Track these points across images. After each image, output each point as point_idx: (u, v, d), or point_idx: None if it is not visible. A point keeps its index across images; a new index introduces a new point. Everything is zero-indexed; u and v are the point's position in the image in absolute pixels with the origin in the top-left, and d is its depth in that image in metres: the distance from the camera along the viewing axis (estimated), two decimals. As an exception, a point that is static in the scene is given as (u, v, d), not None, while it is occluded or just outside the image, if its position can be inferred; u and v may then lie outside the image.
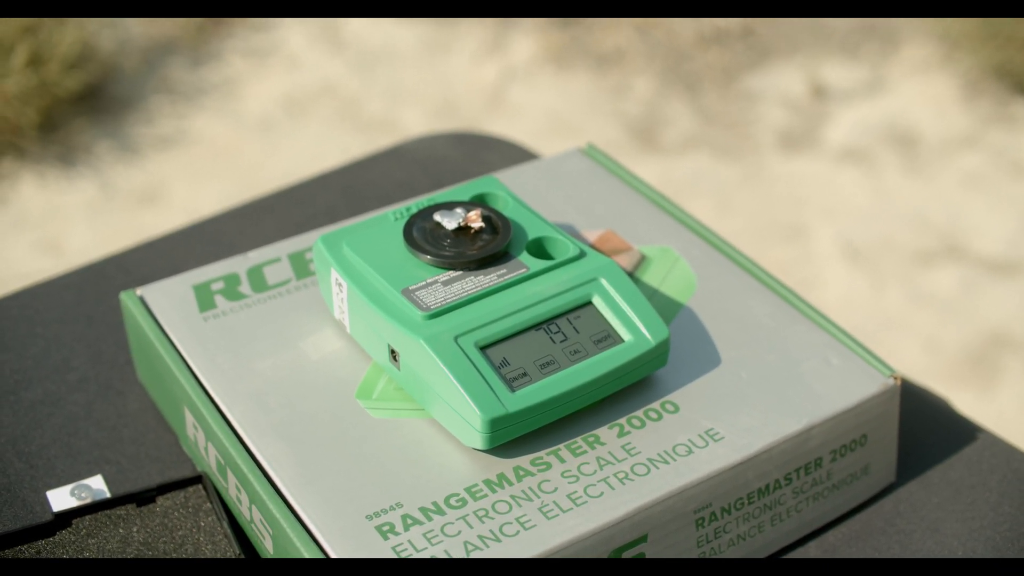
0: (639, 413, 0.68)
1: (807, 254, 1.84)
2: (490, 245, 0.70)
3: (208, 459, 0.70)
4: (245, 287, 0.76)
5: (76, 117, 2.05)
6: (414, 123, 2.06)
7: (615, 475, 0.64)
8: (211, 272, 0.77)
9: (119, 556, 0.66)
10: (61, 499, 0.70)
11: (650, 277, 0.77)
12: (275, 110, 2.10)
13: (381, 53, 2.21)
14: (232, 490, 0.68)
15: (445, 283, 0.68)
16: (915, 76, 2.17)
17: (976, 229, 1.89)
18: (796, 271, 1.80)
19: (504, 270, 0.70)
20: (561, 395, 0.65)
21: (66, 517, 0.68)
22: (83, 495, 0.70)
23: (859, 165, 2.00)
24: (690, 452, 0.66)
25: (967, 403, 1.59)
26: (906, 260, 1.84)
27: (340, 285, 0.70)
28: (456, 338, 0.65)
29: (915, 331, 1.73)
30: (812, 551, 0.70)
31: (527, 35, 2.23)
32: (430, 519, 0.62)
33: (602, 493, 0.63)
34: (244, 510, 0.67)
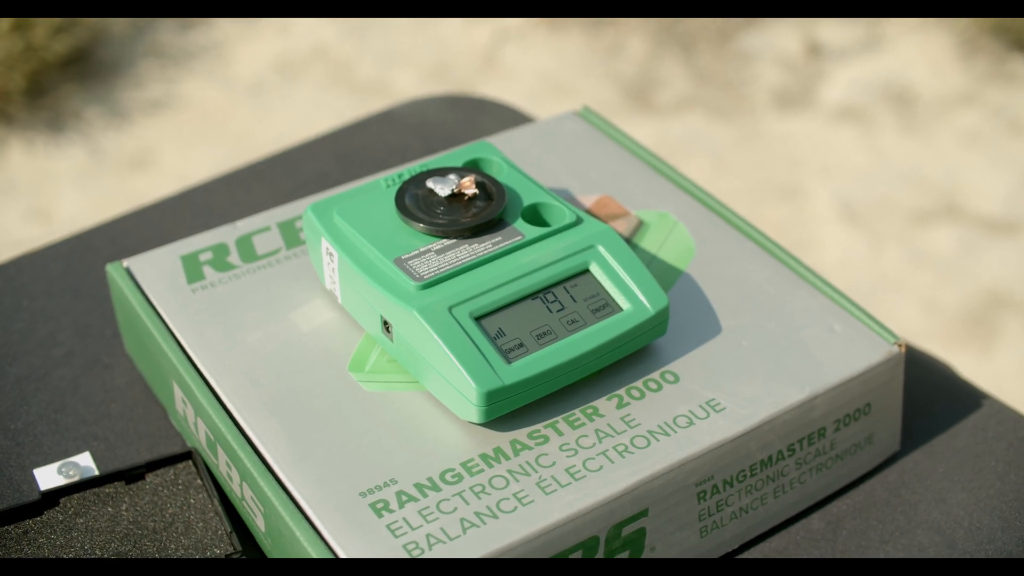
0: (638, 384, 0.66)
1: (803, 214, 1.83)
2: (484, 212, 0.69)
3: (198, 434, 0.69)
4: (234, 257, 0.74)
5: (64, 82, 2.03)
6: (407, 86, 2.04)
7: (614, 448, 0.63)
8: (199, 242, 0.75)
9: (108, 534, 0.64)
10: (48, 477, 0.68)
11: (648, 243, 0.75)
12: (266, 73, 2.08)
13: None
14: (223, 466, 0.66)
15: (438, 252, 0.67)
16: (911, 34, 2.14)
17: (974, 188, 1.87)
18: (793, 232, 1.78)
19: (499, 238, 0.68)
20: (558, 366, 0.63)
21: (53, 496, 0.66)
22: (71, 473, 0.69)
23: (856, 124, 1.98)
24: (691, 423, 0.64)
25: (966, 364, 1.57)
26: (903, 220, 1.82)
27: (331, 255, 0.68)
28: (450, 308, 0.64)
29: (913, 291, 1.71)
30: (816, 523, 0.69)
31: (519, -5, 2.21)
32: (425, 496, 0.61)
33: (601, 467, 0.62)
34: (235, 487, 0.66)
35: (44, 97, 1.99)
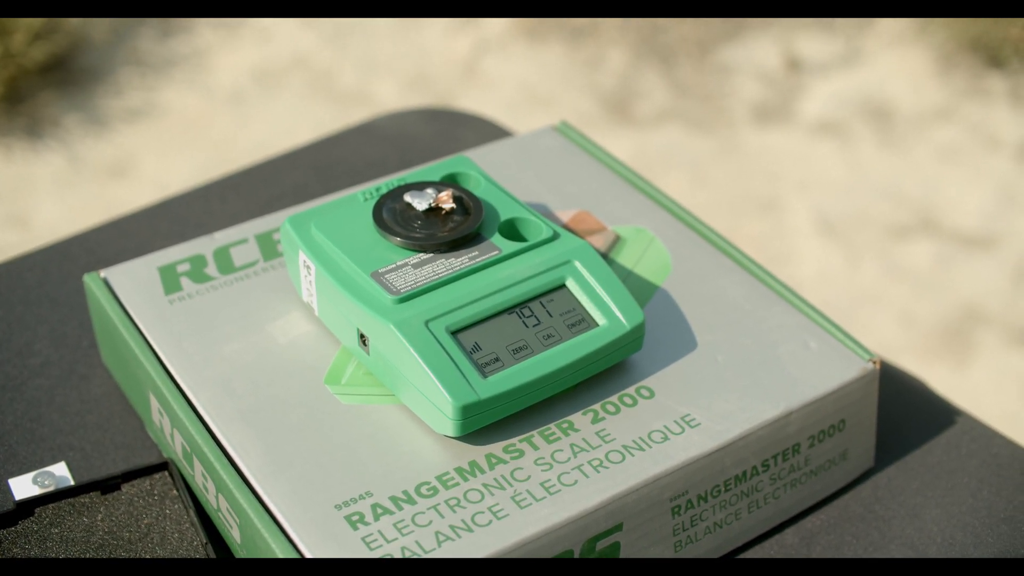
0: (614, 399, 0.66)
1: (781, 228, 1.83)
2: (461, 227, 0.69)
3: (174, 446, 0.69)
4: (212, 269, 0.74)
5: (43, 89, 2.02)
6: (387, 95, 2.04)
7: (589, 463, 0.63)
8: (177, 253, 0.75)
9: (83, 545, 0.64)
10: (23, 487, 0.68)
11: (624, 258, 0.76)
12: (246, 82, 2.08)
13: (354, 25, 2.19)
14: (199, 478, 0.66)
15: (415, 266, 0.67)
16: (890, 49, 2.15)
17: (951, 203, 1.88)
18: (770, 245, 1.79)
19: (476, 252, 0.68)
20: (534, 381, 0.64)
21: (28, 505, 0.66)
22: (46, 483, 0.69)
23: (834, 138, 1.98)
24: (666, 439, 0.64)
25: (942, 378, 1.58)
26: (881, 234, 1.83)
27: (308, 267, 0.69)
28: (427, 322, 0.64)
29: (890, 305, 1.72)
30: (790, 538, 0.69)
31: (500, 6, 2.21)
32: (400, 508, 0.61)
33: (576, 481, 0.62)
34: (211, 498, 0.66)
35: (22, 104, 1.99)
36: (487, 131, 1.00)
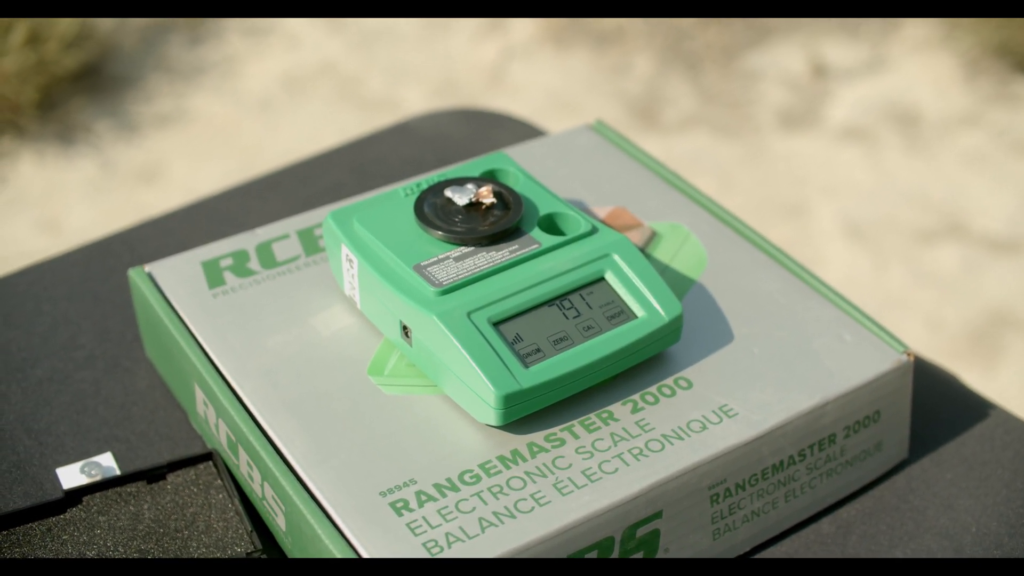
0: (653, 389, 0.67)
1: (808, 232, 1.84)
2: (502, 221, 0.70)
3: (219, 436, 0.70)
4: (254, 263, 0.75)
5: (75, 95, 2.04)
6: (414, 102, 2.05)
7: (629, 451, 0.64)
8: (220, 248, 0.77)
9: (130, 533, 0.66)
10: (71, 476, 0.70)
11: (661, 253, 0.77)
12: (275, 89, 2.09)
13: (381, 31, 2.20)
14: (243, 467, 0.68)
15: (457, 259, 0.68)
16: (916, 55, 2.16)
17: (977, 208, 1.88)
18: (797, 250, 1.80)
19: (516, 246, 0.69)
20: (575, 371, 0.65)
21: (76, 494, 0.67)
22: (93, 472, 0.70)
23: (860, 144, 1.99)
24: (704, 428, 0.65)
25: (970, 382, 1.58)
26: (907, 239, 1.83)
27: (351, 261, 0.70)
28: (469, 314, 0.65)
29: (917, 310, 1.73)
30: (826, 527, 0.70)
31: (527, 13, 2.22)
32: (444, 496, 0.62)
33: (616, 469, 0.63)
34: (256, 487, 0.67)
35: (55, 110, 2.01)
36: (521, 131, 1.01)
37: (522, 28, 2.20)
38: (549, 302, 0.67)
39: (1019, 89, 2.08)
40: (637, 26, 2.20)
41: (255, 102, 2.06)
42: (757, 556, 0.68)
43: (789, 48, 2.17)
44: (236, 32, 2.20)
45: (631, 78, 2.11)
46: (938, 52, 2.16)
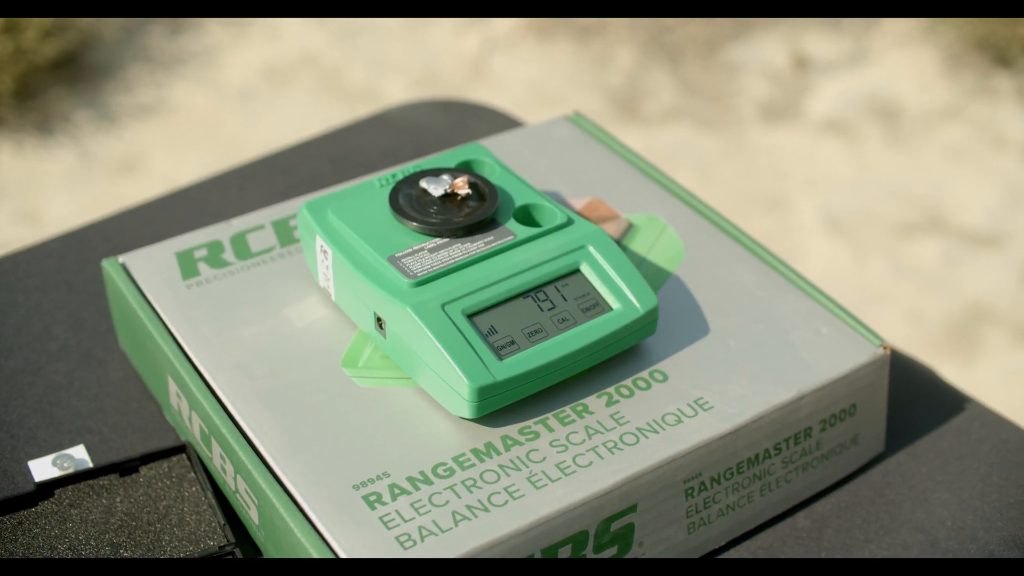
0: (628, 382, 0.67)
1: (788, 226, 1.84)
2: (477, 212, 0.70)
3: (192, 428, 0.69)
4: (229, 254, 0.75)
5: (53, 85, 2.03)
6: (396, 93, 2.04)
7: (604, 444, 0.64)
8: (194, 239, 0.76)
9: (102, 526, 0.65)
10: (43, 469, 0.69)
11: (637, 245, 0.76)
12: (255, 80, 2.08)
13: (363, 23, 2.20)
14: (216, 460, 0.67)
15: (432, 250, 0.68)
16: (898, 48, 2.16)
17: (958, 202, 1.89)
18: (777, 243, 1.80)
19: (491, 237, 0.69)
20: (549, 364, 0.64)
21: (48, 487, 0.67)
22: (65, 465, 0.69)
23: (841, 137, 1.99)
24: (679, 421, 0.65)
25: (949, 375, 1.58)
26: (888, 232, 1.83)
27: (325, 252, 0.69)
28: (443, 306, 0.65)
29: (897, 303, 1.73)
30: (801, 521, 0.70)
31: (509, 5, 2.21)
32: (417, 489, 0.61)
33: (591, 463, 0.63)
34: (229, 480, 0.66)
35: (33, 100, 2.00)
36: (499, 122, 1.00)
37: (504, 20, 2.20)
38: (524, 294, 0.66)
39: (1000, 83, 2.08)
40: (619, 19, 2.19)
41: (236, 93, 2.06)
42: (731, 552, 0.68)
43: (771, 41, 2.17)
44: (217, 23, 2.19)
45: (613, 70, 2.11)
46: (920, 46, 2.16)
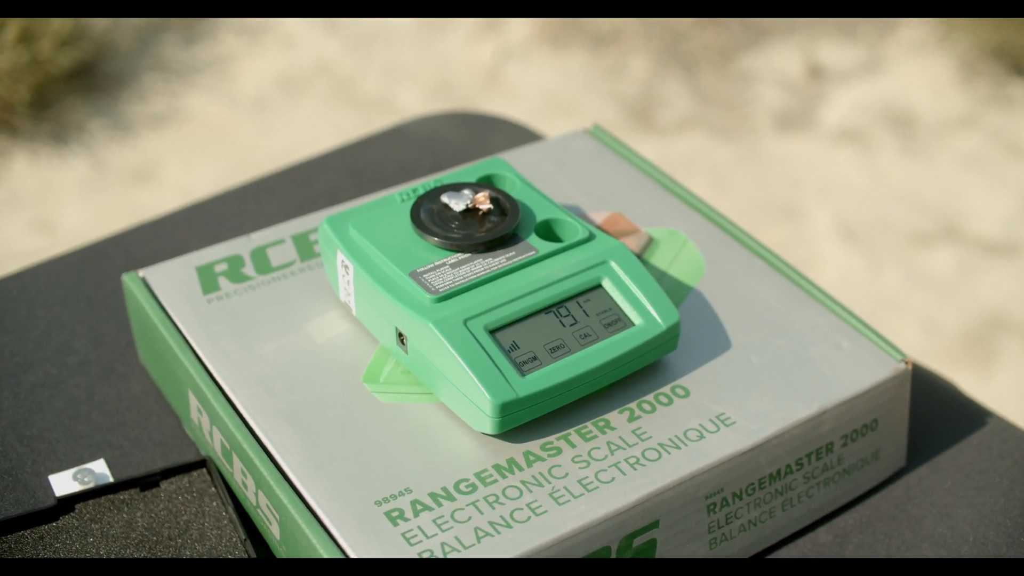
0: (649, 397, 0.67)
1: (803, 234, 1.84)
2: (499, 227, 0.69)
3: (213, 443, 0.69)
4: (249, 269, 0.75)
5: (69, 94, 2.03)
6: (410, 102, 2.05)
7: (626, 460, 0.64)
8: (214, 253, 0.76)
9: (123, 541, 0.65)
10: (64, 483, 0.69)
11: (658, 260, 0.76)
12: (270, 89, 2.09)
13: (377, 32, 2.20)
14: (238, 475, 0.67)
15: (453, 265, 0.68)
16: (912, 57, 2.16)
17: (973, 210, 1.88)
18: (792, 252, 1.79)
19: (513, 252, 0.69)
20: (571, 379, 0.64)
21: (69, 502, 0.67)
22: (86, 479, 0.69)
23: (856, 146, 1.99)
24: (701, 437, 0.65)
25: (966, 385, 1.58)
26: (903, 241, 1.83)
27: (346, 267, 0.69)
28: (465, 321, 0.64)
29: (913, 312, 1.72)
30: (823, 536, 0.69)
31: (523, 14, 2.22)
32: (440, 505, 0.61)
33: (613, 478, 0.63)
34: (250, 495, 0.66)
35: (49, 109, 2.00)
36: (516, 135, 1.00)
37: (518, 29, 2.20)
38: (546, 309, 0.66)
39: (1015, 91, 2.08)
40: (633, 27, 2.19)
41: (250, 102, 2.06)
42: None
43: (785, 50, 2.17)
44: (231, 31, 2.19)
45: (627, 79, 2.11)
46: (934, 54, 2.16)
